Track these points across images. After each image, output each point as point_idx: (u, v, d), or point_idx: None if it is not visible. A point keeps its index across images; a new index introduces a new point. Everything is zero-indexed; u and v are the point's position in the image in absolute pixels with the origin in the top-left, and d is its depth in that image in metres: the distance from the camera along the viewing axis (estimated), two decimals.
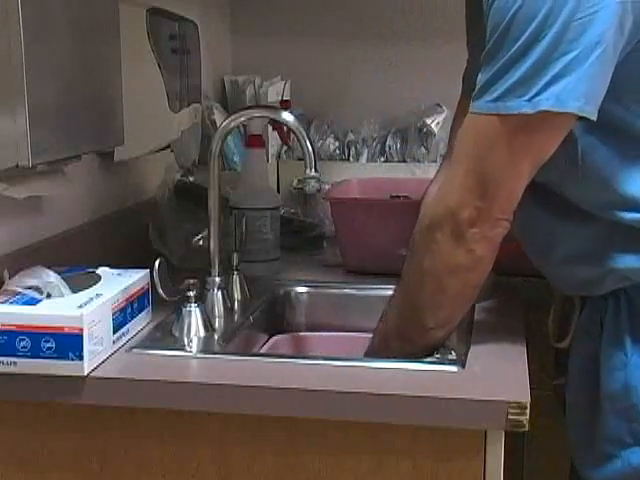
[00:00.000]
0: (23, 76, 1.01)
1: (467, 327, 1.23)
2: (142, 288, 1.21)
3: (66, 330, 1.03)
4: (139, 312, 1.20)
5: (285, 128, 1.84)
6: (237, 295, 1.37)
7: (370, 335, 1.30)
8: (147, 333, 1.20)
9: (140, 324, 1.21)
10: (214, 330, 1.23)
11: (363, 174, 1.87)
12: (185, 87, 1.63)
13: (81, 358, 1.03)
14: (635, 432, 1.07)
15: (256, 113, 1.45)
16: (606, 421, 1.10)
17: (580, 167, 1.03)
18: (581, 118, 0.95)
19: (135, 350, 1.14)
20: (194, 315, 1.20)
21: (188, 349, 1.16)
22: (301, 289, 1.48)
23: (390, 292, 1.24)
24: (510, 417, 0.96)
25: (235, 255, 1.37)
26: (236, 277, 1.37)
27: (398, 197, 1.65)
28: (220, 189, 1.31)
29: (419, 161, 1.92)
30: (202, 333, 1.20)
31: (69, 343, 1.03)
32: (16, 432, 1.10)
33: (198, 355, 1.15)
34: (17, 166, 1.04)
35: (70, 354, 1.03)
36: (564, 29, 0.91)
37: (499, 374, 1.06)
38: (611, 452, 1.10)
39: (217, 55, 2.00)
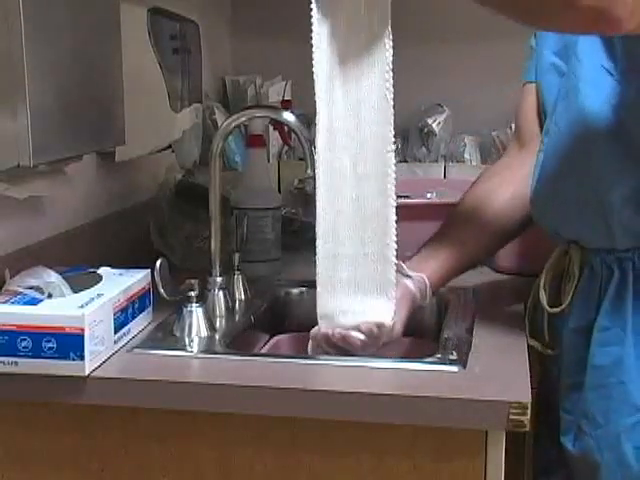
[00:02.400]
0: (24, 76, 1.01)
1: (468, 327, 1.23)
2: (143, 288, 1.21)
3: (67, 330, 1.03)
4: (140, 312, 1.20)
5: (286, 128, 1.84)
6: (238, 295, 1.37)
7: None
8: (148, 333, 1.20)
9: (141, 324, 1.21)
10: (215, 330, 1.23)
11: None
12: (186, 87, 1.63)
13: (82, 358, 1.03)
14: (611, 411, 1.07)
15: (257, 113, 1.45)
16: (586, 395, 1.10)
17: None
18: None
19: (136, 350, 1.14)
20: (195, 315, 1.20)
21: (189, 349, 1.16)
22: (302, 289, 1.48)
23: None
24: (511, 417, 0.96)
25: (236, 255, 1.37)
26: (237, 277, 1.37)
27: (399, 197, 1.65)
28: (221, 189, 1.31)
29: (420, 161, 1.92)
30: (203, 333, 1.20)
31: (70, 343, 1.03)
32: (17, 432, 1.10)
33: (199, 355, 1.15)
34: (18, 166, 1.05)
35: (71, 354, 1.03)
36: None
37: (500, 374, 1.06)
38: (585, 428, 1.10)
39: (218, 55, 2.01)
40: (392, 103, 1.13)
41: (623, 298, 1.08)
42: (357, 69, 1.12)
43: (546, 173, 1.16)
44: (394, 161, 1.16)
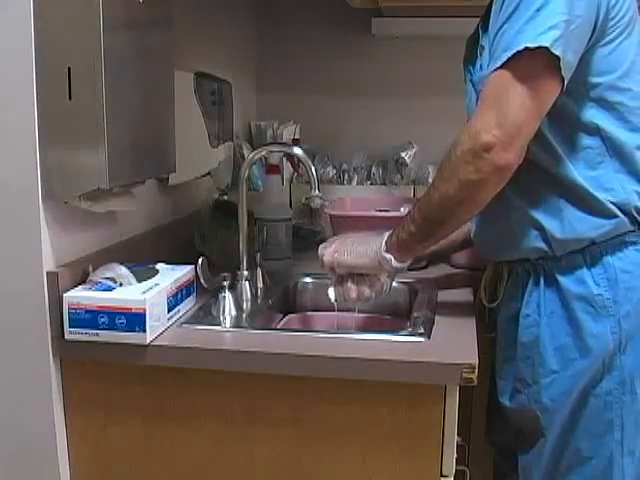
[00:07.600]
0: (104, 123, 1.01)
1: (432, 309, 1.23)
2: (189, 279, 1.21)
3: (133, 310, 1.04)
4: (187, 297, 1.21)
5: (296, 159, 1.85)
6: (260, 284, 1.36)
7: (360, 315, 1.31)
8: (193, 313, 1.21)
9: (187, 306, 1.21)
10: (242, 311, 1.24)
11: (354, 194, 1.88)
12: (221, 129, 1.63)
13: (144, 331, 1.04)
14: (535, 374, 1.07)
15: (274, 148, 1.46)
16: (517, 364, 1.10)
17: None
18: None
19: (184, 325, 1.14)
20: (227, 299, 1.20)
21: (223, 325, 1.16)
22: (307, 280, 1.48)
23: None
24: (464, 375, 0.97)
25: (258, 254, 1.37)
26: (259, 271, 1.36)
27: (381, 211, 1.66)
28: (247, 205, 1.30)
29: (396, 184, 1.92)
30: (234, 313, 1.20)
31: (135, 320, 1.04)
32: (96, 385, 1.11)
33: (231, 329, 1.15)
34: (98, 189, 1.05)
35: (136, 328, 1.04)
36: None
37: (455, 343, 1.07)
38: (518, 388, 1.10)
39: (245, 106, 2.01)
40: None
41: (537, 293, 1.08)
42: None
43: (478, 220, 1.15)
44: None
